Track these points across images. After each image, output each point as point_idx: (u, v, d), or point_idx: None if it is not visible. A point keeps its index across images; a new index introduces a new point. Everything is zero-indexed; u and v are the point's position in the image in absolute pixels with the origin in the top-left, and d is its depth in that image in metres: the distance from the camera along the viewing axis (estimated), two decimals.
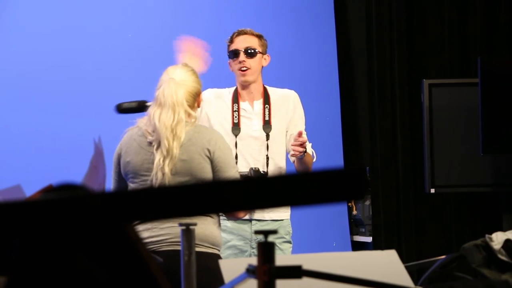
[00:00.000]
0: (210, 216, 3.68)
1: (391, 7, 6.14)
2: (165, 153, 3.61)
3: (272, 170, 4.51)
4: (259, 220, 4.50)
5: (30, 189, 2.53)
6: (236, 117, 4.51)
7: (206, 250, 3.62)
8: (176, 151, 3.61)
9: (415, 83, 6.00)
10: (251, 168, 4.38)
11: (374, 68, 6.15)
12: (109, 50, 5.95)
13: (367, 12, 6.20)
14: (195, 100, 3.75)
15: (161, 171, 3.61)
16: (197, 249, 3.51)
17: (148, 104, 3.97)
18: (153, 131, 3.65)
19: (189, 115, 3.69)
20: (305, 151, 4.27)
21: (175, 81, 3.69)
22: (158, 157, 3.62)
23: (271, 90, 4.61)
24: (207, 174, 3.67)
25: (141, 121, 3.74)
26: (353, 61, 6.39)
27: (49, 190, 1.64)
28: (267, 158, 4.50)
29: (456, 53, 6.13)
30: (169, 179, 3.62)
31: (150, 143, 3.66)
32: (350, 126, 6.32)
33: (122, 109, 4.11)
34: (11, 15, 5.92)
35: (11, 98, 5.84)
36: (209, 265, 3.37)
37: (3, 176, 5.49)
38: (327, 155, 6.10)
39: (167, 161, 3.61)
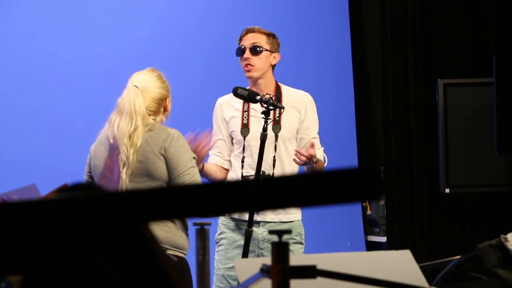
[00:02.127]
0: (172, 222, 3.75)
1: (405, 7, 6.13)
2: (124, 159, 3.72)
3: (278, 172, 4.47)
4: (268, 222, 4.47)
5: (45, 189, 2.54)
6: (245, 117, 4.51)
7: (169, 252, 3.71)
8: (132, 157, 3.72)
9: (430, 82, 5.98)
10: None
11: (389, 68, 6.14)
12: (122, 50, 5.96)
13: (382, 12, 6.19)
14: (160, 105, 3.85)
15: (121, 177, 3.74)
16: None
17: (257, 97, 4.19)
18: (114, 137, 3.77)
19: (148, 120, 3.77)
20: (313, 162, 4.27)
21: (135, 89, 3.78)
22: (120, 164, 3.75)
23: (285, 90, 4.59)
24: (163, 173, 3.75)
25: (107, 124, 3.86)
26: (368, 61, 6.38)
27: (64, 189, 1.65)
28: (274, 159, 4.46)
29: (471, 52, 6.11)
30: (126, 184, 3.73)
31: (113, 147, 3.78)
32: (365, 126, 6.31)
33: (236, 93, 4.30)
34: (18, 14, 5.94)
35: (32, 98, 5.86)
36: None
37: (18, 176, 5.51)
38: (341, 155, 6.09)
39: (125, 169, 3.73)
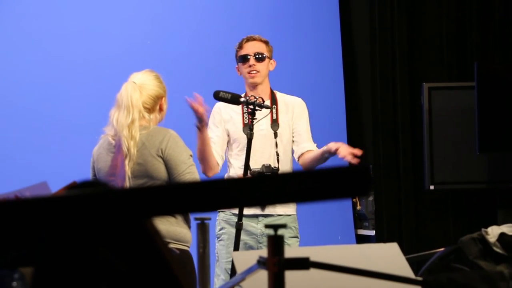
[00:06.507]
0: (173, 216, 3.71)
1: (392, 16, 6.14)
2: (126, 151, 3.68)
3: (282, 166, 4.48)
4: (266, 216, 4.48)
5: (55, 186, 2.54)
6: (246, 117, 4.50)
7: (171, 246, 3.68)
8: (133, 150, 3.67)
9: (415, 86, 5.99)
10: (263, 165, 4.36)
11: (377, 72, 6.14)
12: (128, 54, 5.95)
13: (371, 20, 6.20)
14: (156, 103, 3.79)
15: (125, 171, 3.69)
16: None
17: (241, 99, 4.12)
18: (115, 134, 3.73)
19: (144, 117, 3.73)
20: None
21: (133, 84, 3.75)
22: (123, 158, 3.70)
23: (280, 96, 4.61)
24: (162, 174, 3.69)
25: (107, 127, 3.80)
26: (357, 65, 6.38)
27: (73, 186, 1.65)
28: (277, 154, 4.48)
29: (454, 58, 6.12)
30: (129, 182, 3.68)
31: (116, 147, 3.74)
32: (355, 126, 6.31)
33: (218, 97, 4.19)
34: (26, 16, 5.93)
35: (41, 100, 5.85)
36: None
37: (28, 175, 5.50)
38: None
39: (126, 161, 3.68)
